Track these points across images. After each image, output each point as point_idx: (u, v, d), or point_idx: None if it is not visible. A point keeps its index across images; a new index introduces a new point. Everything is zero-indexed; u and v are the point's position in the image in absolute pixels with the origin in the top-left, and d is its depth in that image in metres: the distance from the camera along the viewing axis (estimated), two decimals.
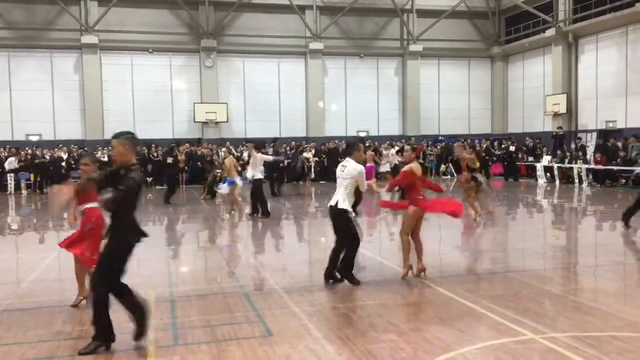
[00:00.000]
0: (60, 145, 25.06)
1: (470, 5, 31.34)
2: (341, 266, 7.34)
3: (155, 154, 25.13)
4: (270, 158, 16.20)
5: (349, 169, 7.28)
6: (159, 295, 6.98)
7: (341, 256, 7.36)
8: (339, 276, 7.41)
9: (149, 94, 27.75)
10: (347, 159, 7.43)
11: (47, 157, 23.44)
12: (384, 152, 25.00)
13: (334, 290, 7.19)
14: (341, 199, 7.22)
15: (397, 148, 24.94)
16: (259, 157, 14.34)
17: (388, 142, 27.03)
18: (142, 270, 8.71)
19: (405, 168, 7.63)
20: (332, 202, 7.30)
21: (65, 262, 7.11)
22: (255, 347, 5.16)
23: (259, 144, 15.61)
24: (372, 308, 6.36)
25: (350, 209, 7.30)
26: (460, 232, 12.04)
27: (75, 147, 25.32)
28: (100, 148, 25.10)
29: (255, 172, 14.15)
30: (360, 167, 7.32)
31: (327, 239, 11.97)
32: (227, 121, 28.41)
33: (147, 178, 24.91)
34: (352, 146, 7.56)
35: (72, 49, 26.86)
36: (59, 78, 26.98)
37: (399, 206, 8.19)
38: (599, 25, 25.38)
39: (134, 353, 5.12)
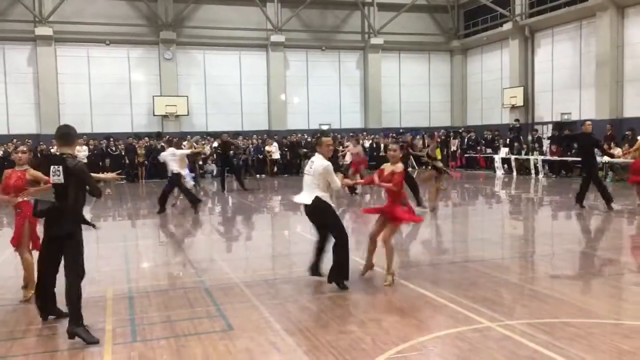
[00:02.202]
0: (15, 140, 24.30)
1: None
2: (334, 273, 6.85)
3: (114, 148, 24.67)
4: (188, 152, 16.03)
5: (315, 165, 6.79)
6: (117, 292, 6.87)
7: (326, 249, 7.03)
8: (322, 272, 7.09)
9: (107, 87, 27.17)
10: (316, 153, 7.00)
11: (1, 153, 22.75)
12: (351, 147, 25.06)
13: (295, 283, 7.20)
14: (319, 194, 6.75)
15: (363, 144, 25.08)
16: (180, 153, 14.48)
17: (354, 137, 27.16)
18: (101, 266, 8.56)
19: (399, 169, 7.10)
20: (307, 201, 6.79)
21: (18, 259, 6.92)
22: (215, 342, 5.14)
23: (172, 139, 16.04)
24: (332, 300, 6.40)
25: (330, 202, 6.87)
26: (420, 223, 12.19)
27: (30, 141, 24.63)
28: (54, 141, 24.47)
29: (180, 167, 14.29)
30: (327, 164, 6.81)
31: (289, 232, 12.00)
32: (188, 115, 28.04)
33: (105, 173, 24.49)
34: (317, 139, 7.12)
35: (26, 41, 26.05)
36: (12, 70, 26.13)
37: (382, 210, 7.37)
38: (554, 19, 25.97)
39: (90, 351, 5.03)
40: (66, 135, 5.47)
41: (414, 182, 13.72)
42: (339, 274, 6.84)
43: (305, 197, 6.87)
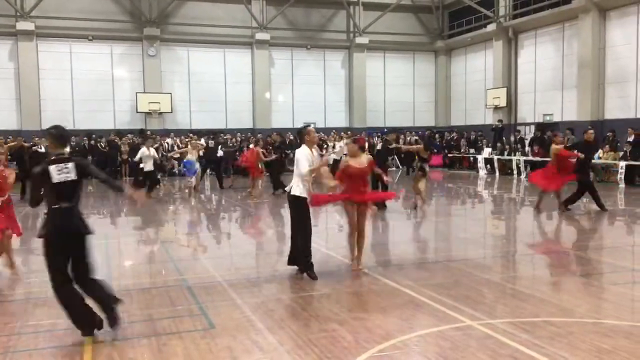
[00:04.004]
0: None
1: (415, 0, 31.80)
2: (292, 257, 7.35)
3: (103, 144, 24.43)
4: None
5: (295, 155, 7.29)
6: None
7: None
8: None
9: (89, 83, 26.88)
10: (302, 145, 7.31)
11: None
12: (336, 144, 25.15)
13: (278, 282, 7.18)
14: (294, 185, 7.16)
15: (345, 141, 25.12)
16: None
17: (335, 133, 27.27)
18: None
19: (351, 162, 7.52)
20: (287, 188, 7.41)
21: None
22: (197, 340, 5.10)
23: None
24: (315, 299, 6.39)
25: (300, 194, 7.12)
26: (403, 223, 12.26)
27: (11, 137, 24.29)
28: (37, 139, 24.18)
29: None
30: (297, 150, 7.23)
31: (273, 230, 11.96)
32: (172, 112, 27.87)
33: None
34: (300, 133, 7.44)
35: (7, 36, 25.70)
36: None
37: (335, 198, 7.88)
38: (537, 21, 26.20)
39: (70, 350, 4.97)
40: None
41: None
42: (297, 259, 7.28)
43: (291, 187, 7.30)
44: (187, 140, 24.95)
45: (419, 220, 12.55)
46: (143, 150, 16.30)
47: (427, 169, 13.52)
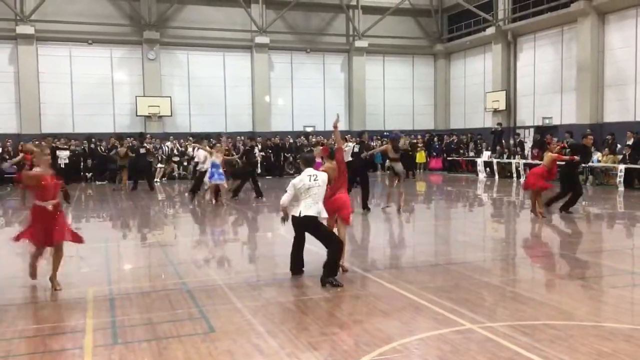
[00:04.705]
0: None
1: (414, 3, 31.79)
2: (325, 272, 7.03)
3: (103, 148, 24.43)
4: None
5: (322, 177, 7.21)
6: (97, 294, 6.80)
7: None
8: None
9: (89, 87, 26.89)
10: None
11: None
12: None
13: (279, 285, 7.18)
14: (311, 205, 7.08)
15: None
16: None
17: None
18: (81, 268, 8.48)
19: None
20: (311, 213, 7.09)
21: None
22: (197, 344, 5.10)
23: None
24: (315, 302, 6.39)
25: (316, 214, 7.16)
26: (403, 226, 12.27)
27: (10, 141, 24.32)
28: (37, 142, 24.18)
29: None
30: (321, 172, 7.31)
31: (272, 234, 11.97)
32: (171, 115, 27.88)
33: (87, 173, 24.29)
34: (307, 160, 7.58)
35: (7, 40, 25.71)
36: None
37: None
38: (536, 24, 26.25)
39: (70, 353, 4.97)
40: None
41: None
42: (332, 271, 7.03)
43: (316, 208, 7.13)
44: (190, 142, 25.03)
45: (412, 223, 12.56)
46: (200, 153, 16.83)
47: (398, 169, 13.69)
